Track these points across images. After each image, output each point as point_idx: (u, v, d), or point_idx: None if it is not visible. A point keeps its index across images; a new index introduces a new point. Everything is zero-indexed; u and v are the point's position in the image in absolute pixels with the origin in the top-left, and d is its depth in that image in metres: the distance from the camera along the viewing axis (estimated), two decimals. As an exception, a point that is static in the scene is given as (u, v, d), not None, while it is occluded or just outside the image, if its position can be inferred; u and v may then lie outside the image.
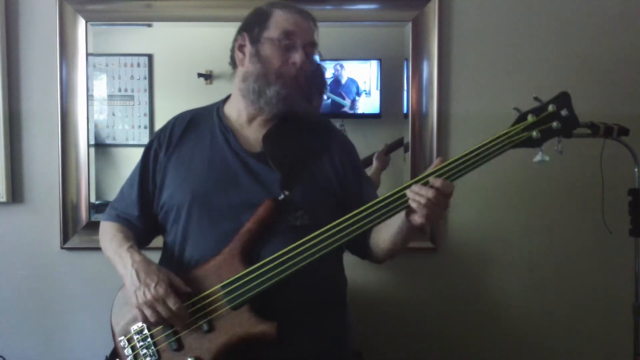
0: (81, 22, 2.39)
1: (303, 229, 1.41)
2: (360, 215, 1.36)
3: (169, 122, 1.63)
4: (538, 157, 1.35)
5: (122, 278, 1.46)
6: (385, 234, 1.47)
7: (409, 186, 1.33)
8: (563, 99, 1.34)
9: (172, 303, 1.37)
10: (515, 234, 2.43)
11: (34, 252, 2.45)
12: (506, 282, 2.46)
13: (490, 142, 1.35)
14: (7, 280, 2.46)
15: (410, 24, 2.37)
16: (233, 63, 1.58)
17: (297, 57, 1.47)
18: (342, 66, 2.50)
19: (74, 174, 2.41)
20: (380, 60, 2.52)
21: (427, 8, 2.36)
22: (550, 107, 1.34)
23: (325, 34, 2.57)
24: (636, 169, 2.08)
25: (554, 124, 1.33)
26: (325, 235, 1.36)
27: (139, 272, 1.40)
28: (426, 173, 1.34)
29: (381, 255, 1.55)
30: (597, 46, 2.39)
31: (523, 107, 1.98)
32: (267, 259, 1.37)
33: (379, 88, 2.52)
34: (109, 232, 1.57)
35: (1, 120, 2.38)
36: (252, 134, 1.55)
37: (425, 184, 1.32)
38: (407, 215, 1.36)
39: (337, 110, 2.52)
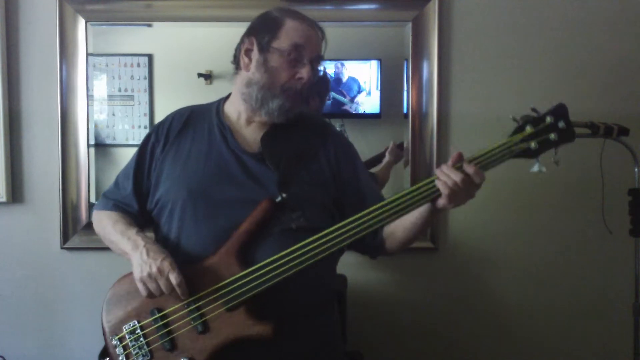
0: (81, 22, 2.39)
1: (299, 231, 1.41)
2: (366, 218, 1.37)
3: (167, 117, 1.62)
4: (535, 168, 1.37)
5: (128, 257, 1.47)
6: (403, 220, 1.45)
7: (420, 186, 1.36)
8: (560, 111, 1.36)
9: (174, 278, 1.37)
10: (516, 234, 2.43)
11: (34, 252, 2.45)
12: (506, 282, 2.46)
13: (488, 152, 1.37)
14: (7, 280, 2.46)
15: (410, 24, 2.37)
16: (236, 64, 1.57)
17: (304, 72, 1.47)
18: (342, 64, 2.50)
19: (74, 174, 2.41)
20: (380, 60, 2.52)
21: (427, 8, 2.36)
22: (548, 119, 1.36)
23: (326, 33, 2.58)
24: (636, 169, 2.08)
25: (552, 135, 1.35)
26: (327, 238, 1.37)
27: (149, 250, 1.42)
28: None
29: (393, 246, 1.55)
30: (598, 46, 2.39)
31: (523, 108, 1.99)
32: (266, 261, 1.37)
33: (379, 88, 2.52)
34: (109, 218, 1.57)
35: (1, 120, 2.38)
36: (251, 135, 1.54)
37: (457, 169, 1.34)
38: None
39: (338, 109, 2.52)
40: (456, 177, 1.32)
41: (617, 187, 2.21)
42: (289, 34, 1.47)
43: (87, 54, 2.40)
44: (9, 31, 2.39)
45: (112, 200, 1.61)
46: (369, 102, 2.52)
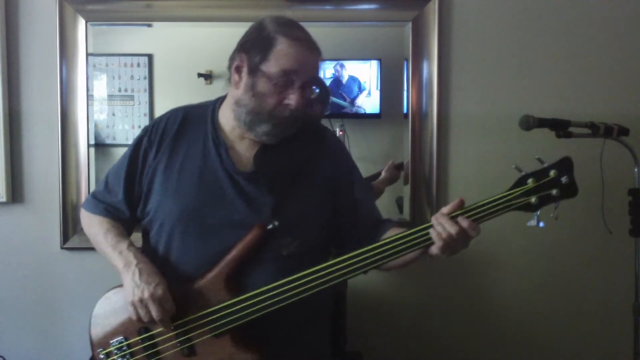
0: (81, 22, 2.39)
1: (290, 258, 1.39)
2: (352, 261, 1.34)
3: (161, 119, 1.56)
4: (532, 222, 1.33)
5: (119, 273, 1.45)
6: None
7: (417, 230, 1.33)
8: (565, 165, 1.30)
9: (168, 306, 1.37)
10: (515, 234, 2.43)
11: (34, 252, 2.45)
12: (506, 282, 2.46)
13: (486, 204, 1.32)
14: (7, 280, 2.46)
15: (410, 24, 2.37)
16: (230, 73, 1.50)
17: (292, 99, 1.39)
18: (342, 66, 2.50)
19: (74, 174, 2.41)
20: (380, 60, 2.52)
21: (427, 8, 2.36)
22: (552, 173, 1.30)
23: (325, 33, 2.58)
24: (636, 169, 2.08)
25: (554, 191, 1.30)
26: (320, 274, 1.34)
27: (142, 271, 1.40)
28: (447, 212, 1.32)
29: (382, 268, 1.50)
30: (598, 46, 2.39)
31: (522, 110, 2.00)
32: (255, 292, 1.35)
33: (379, 88, 2.52)
34: (100, 225, 1.54)
35: (1, 120, 2.38)
36: (245, 151, 1.49)
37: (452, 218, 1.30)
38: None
39: (337, 111, 2.52)
40: (451, 229, 1.28)
41: (617, 187, 2.20)
42: (279, 58, 1.38)
43: (87, 54, 2.40)
44: (9, 31, 2.39)
45: (102, 204, 1.56)
46: (369, 102, 2.52)
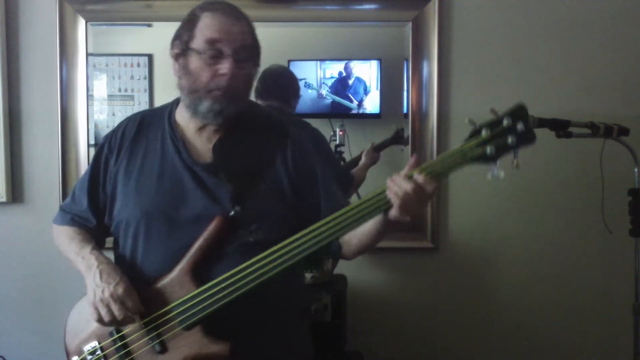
0: (81, 22, 2.39)
1: (257, 244, 1.36)
2: (317, 231, 1.29)
3: (120, 125, 1.54)
4: (491, 174, 1.27)
5: (85, 278, 1.44)
6: (357, 229, 1.36)
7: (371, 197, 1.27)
8: (519, 112, 1.26)
9: (130, 304, 1.35)
10: (515, 234, 2.43)
11: (34, 252, 2.45)
12: (506, 282, 2.46)
13: (442, 158, 1.27)
14: (7, 280, 2.46)
15: (410, 24, 2.37)
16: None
17: (225, 67, 1.36)
18: (352, 67, 2.51)
19: (74, 174, 2.41)
20: (380, 60, 2.52)
21: (427, 8, 2.36)
22: (505, 121, 1.26)
23: (326, 34, 2.59)
24: (636, 169, 2.08)
25: (509, 139, 1.24)
26: (281, 252, 1.31)
27: (103, 272, 1.40)
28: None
29: (349, 253, 1.48)
30: (598, 46, 2.39)
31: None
32: (219, 279, 1.33)
33: (379, 88, 2.52)
34: (66, 235, 1.53)
35: (1, 120, 2.38)
36: (203, 145, 1.46)
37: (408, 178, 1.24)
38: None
39: (338, 111, 2.52)
40: (407, 186, 1.22)
41: (617, 187, 2.21)
42: (202, 31, 1.38)
43: (87, 54, 2.40)
44: (9, 31, 2.39)
45: (69, 215, 1.55)
46: (369, 102, 2.53)
